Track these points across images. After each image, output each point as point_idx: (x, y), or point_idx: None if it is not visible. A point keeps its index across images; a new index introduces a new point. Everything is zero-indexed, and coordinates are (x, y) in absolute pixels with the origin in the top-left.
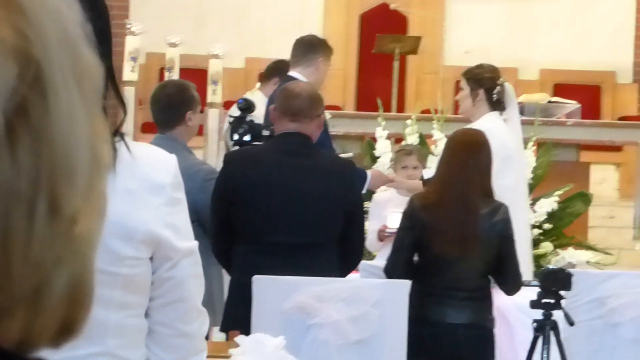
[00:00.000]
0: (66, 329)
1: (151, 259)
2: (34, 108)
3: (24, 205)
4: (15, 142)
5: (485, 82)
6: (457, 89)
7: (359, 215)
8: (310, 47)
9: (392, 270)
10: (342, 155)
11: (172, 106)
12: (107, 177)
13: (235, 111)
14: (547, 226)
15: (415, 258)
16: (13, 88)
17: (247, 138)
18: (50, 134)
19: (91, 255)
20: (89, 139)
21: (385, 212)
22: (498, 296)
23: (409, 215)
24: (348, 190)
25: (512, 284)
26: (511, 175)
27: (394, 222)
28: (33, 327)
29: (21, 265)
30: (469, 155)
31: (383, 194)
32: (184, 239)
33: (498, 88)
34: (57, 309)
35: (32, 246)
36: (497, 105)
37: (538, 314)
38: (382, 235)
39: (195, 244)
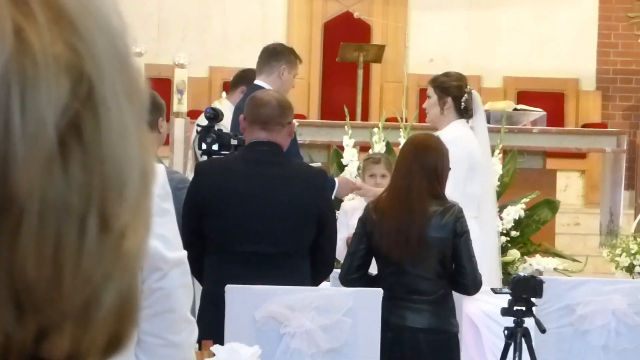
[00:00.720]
0: (113, 343)
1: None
2: (86, 124)
3: (75, 221)
4: (67, 158)
5: (452, 91)
6: (423, 97)
7: (330, 225)
8: (273, 55)
9: (345, 275)
10: (312, 165)
11: None
12: (152, 191)
13: (203, 120)
14: (514, 233)
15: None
16: (66, 104)
17: (215, 147)
18: (102, 150)
19: (137, 272)
20: (139, 154)
21: (352, 220)
22: (467, 303)
23: (363, 221)
24: (319, 199)
25: (471, 283)
26: (478, 183)
27: None
28: (82, 342)
29: (71, 281)
30: (414, 159)
31: (350, 203)
32: (173, 249)
33: (466, 96)
34: (105, 324)
35: (83, 262)
36: (465, 113)
37: (509, 321)
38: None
39: (184, 253)
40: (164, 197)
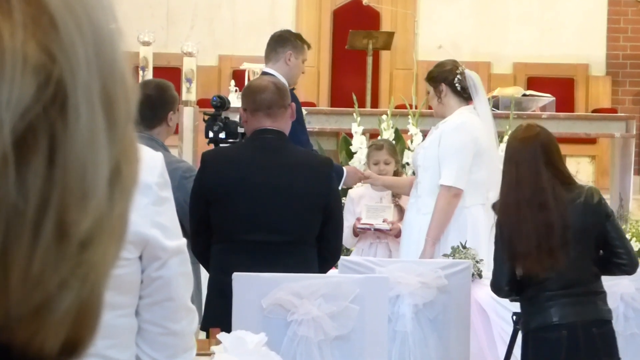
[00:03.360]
0: (68, 350)
1: (140, 258)
2: (51, 129)
3: (28, 226)
4: (23, 161)
5: (445, 76)
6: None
7: (336, 213)
8: (279, 42)
9: (498, 285)
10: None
11: (154, 106)
12: (132, 201)
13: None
14: None
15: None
16: (27, 106)
17: (222, 135)
18: (66, 158)
19: (101, 282)
20: (110, 164)
21: (358, 208)
22: (477, 289)
23: (498, 225)
24: (326, 188)
25: (628, 262)
26: (484, 169)
27: (367, 216)
28: (31, 345)
29: (20, 285)
30: (523, 151)
31: (357, 190)
32: (172, 238)
33: (458, 76)
34: (59, 330)
35: (33, 267)
36: (464, 93)
37: (517, 306)
38: (356, 230)
39: (184, 242)
40: (162, 186)
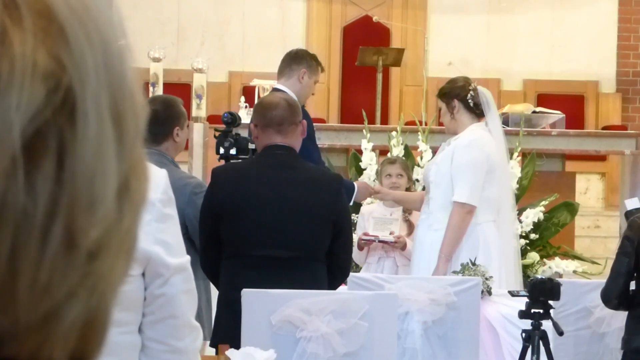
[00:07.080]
0: None
1: (143, 275)
2: (60, 135)
3: (37, 231)
4: (33, 165)
5: (458, 92)
6: (438, 107)
7: (346, 231)
8: (295, 59)
9: (608, 295)
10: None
11: (159, 122)
12: (140, 217)
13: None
14: (533, 236)
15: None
16: (37, 111)
17: (233, 152)
18: (74, 164)
19: (109, 295)
20: (118, 177)
21: (367, 223)
22: (486, 306)
23: (630, 239)
24: (336, 204)
25: None
26: (496, 186)
27: (375, 228)
28: (39, 355)
29: (28, 291)
30: None
31: (368, 206)
32: (175, 255)
33: (471, 92)
34: (67, 341)
35: (41, 272)
36: (476, 109)
37: (527, 324)
38: (361, 244)
39: (187, 259)
40: (165, 203)
